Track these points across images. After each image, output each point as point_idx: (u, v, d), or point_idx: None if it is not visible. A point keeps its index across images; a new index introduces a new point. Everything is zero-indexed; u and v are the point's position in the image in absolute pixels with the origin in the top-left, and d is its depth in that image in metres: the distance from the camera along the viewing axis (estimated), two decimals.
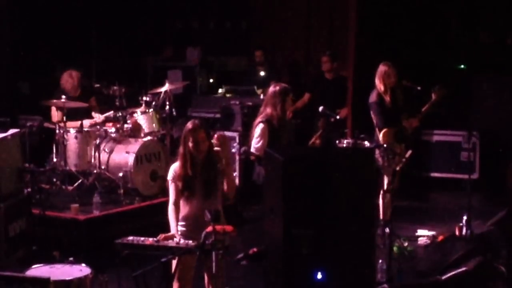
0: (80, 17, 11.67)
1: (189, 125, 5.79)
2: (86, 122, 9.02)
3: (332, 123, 8.50)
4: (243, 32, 13.08)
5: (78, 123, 8.93)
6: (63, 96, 8.83)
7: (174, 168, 5.82)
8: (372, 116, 8.38)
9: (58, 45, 11.43)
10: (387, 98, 8.35)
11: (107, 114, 9.19)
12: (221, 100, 11.10)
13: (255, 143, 7.30)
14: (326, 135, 8.24)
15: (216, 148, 5.78)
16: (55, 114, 9.06)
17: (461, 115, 10.98)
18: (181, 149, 5.80)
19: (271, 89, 7.39)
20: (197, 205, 5.75)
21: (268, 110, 7.26)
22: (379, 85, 8.38)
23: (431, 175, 11.03)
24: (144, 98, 9.34)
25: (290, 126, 7.67)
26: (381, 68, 8.44)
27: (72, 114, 8.90)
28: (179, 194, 5.78)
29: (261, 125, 7.19)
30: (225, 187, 5.88)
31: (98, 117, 9.21)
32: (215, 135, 5.84)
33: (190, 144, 5.72)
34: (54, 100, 8.87)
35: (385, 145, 7.83)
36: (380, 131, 8.26)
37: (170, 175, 5.83)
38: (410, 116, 8.49)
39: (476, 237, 7.74)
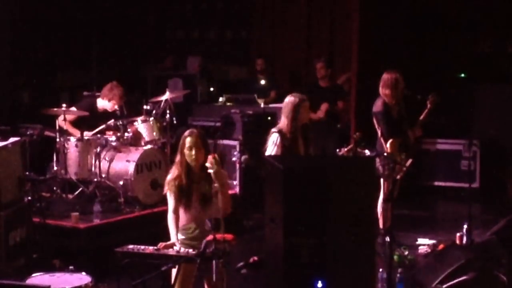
0: (81, 26, 11.69)
1: (186, 132, 5.81)
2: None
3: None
4: (244, 41, 13.10)
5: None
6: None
7: (171, 176, 5.81)
8: (377, 125, 8.19)
9: (58, 54, 11.44)
10: (394, 107, 8.18)
11: (108, 122, 9.20)
12: (221, 108, 11.08)
13: (268, 152, 7.30)
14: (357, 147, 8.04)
15: (209, 170, 5.58)
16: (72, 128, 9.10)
17: (461, 124, 10.98)
18: (177, 157, 5.82)
19: (286, 99, 7.42)
20: (195, 213, 5.74)
21: (282, 119, 7.34)
22: (386, 94, 8.15)
23: (432, 184, 11.02)
24: (145, 107, 9.35)
25: (310, 136, 7.54)
26: (389, 76, 8.15)
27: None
28: (177, 202, 5.78)
29: (273, 135, 7.25)
30: (220, 204, 5.77)
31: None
32: (209, 157, 5.63)
33: (186, 151, 5.72)
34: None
35: (385, 154, 7.79)
36: (386, 141, 8.10)
37: (167, 183, 5.82)
38: (411, 126, 8.39)
39: (477, 246, 7.72)
